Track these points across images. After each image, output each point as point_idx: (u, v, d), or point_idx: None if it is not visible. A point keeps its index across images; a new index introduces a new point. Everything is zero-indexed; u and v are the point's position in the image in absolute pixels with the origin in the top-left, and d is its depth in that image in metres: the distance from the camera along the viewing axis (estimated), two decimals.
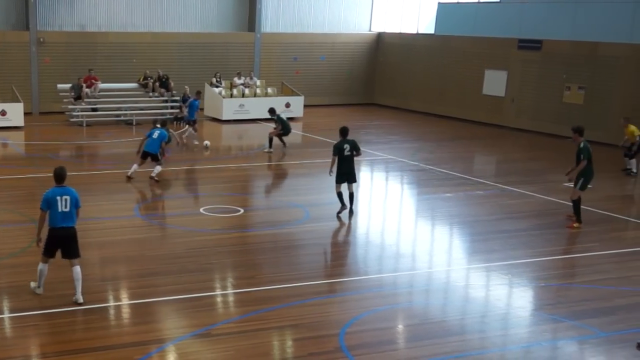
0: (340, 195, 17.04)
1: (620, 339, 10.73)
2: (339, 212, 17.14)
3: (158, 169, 20.20)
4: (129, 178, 20.36)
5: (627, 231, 16.69)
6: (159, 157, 20.35)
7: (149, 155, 20.33)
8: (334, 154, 17.04)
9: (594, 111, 28.26)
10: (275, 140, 25.05)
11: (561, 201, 18.69)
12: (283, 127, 25.03)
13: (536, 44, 30.76)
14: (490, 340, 10.68)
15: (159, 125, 20.84)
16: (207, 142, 21.58)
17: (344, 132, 17.25)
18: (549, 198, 19.15)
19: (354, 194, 17.55)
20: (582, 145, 16.56)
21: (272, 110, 25.95)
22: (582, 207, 16.60)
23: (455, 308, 12.08)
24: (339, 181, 17.06)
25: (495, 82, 32.69)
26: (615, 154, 23.96)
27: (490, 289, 12.93)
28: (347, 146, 17.00)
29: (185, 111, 26.86)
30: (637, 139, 22.14)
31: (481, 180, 21.23)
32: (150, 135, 20.41)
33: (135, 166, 20.49)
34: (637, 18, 27.00)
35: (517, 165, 23.91)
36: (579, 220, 16.73)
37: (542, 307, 11.96)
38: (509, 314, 11.72)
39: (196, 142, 25.66)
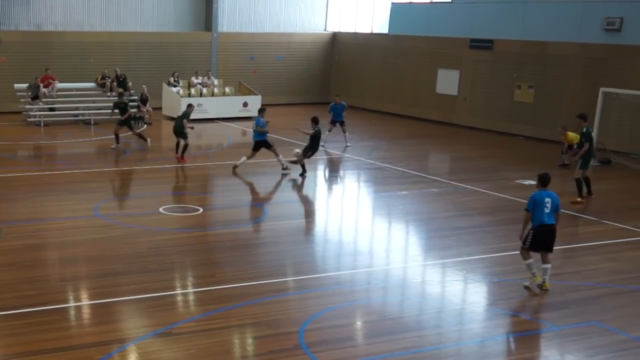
0: (303, 165, 20.98)
1: (572, 332, 11.01)
2: (301, 174, 20.91)
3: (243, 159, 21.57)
4: (235, 168, 21.73)
5: (577, 227, 17.07)
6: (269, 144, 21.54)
7: (259, 144, 21.48)
8: (313, 136, 21.02)
9: (543, 109, 28.84)
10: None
11: (513, 198, 19.11)
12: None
13: (487, 44, 31.25)
14: (446, 336, 10.92)
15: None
16: (297, 151, 21.45)
17: (316, 120, 21.32)
18: (501, 195, 19.53)
19: None
20: (584, 130, 18.14)
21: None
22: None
23: (412, 304, 12.29)
24: (310, 156, 21.21)
25: (448, 81, 33.13)
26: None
27: (445, 285, 13.22)
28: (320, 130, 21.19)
29: (331, 116, 27.59)
30: (575, 145, 22.56)
31: (436, 178, 21.56)
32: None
33: (244, 158, 21.62)
34: (585, 18, 27.58)
35: (470, 163, 24.29)
36: (580, 196, 18.56)
37: (496, 302, 12.23)
38: (464, 310, 11.96)
39: (349, 145, 26.79)
